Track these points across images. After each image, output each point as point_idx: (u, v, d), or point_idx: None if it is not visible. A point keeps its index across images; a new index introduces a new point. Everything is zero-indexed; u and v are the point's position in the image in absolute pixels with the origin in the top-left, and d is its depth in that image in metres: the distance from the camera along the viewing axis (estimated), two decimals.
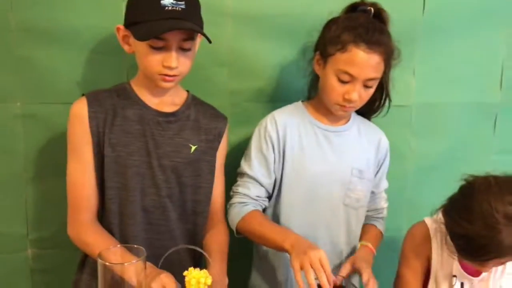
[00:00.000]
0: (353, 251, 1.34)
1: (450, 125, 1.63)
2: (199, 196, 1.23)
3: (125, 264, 0.85)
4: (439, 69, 1.57)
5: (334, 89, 1.20)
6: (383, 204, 1.43)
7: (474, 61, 1.58)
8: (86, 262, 1.20)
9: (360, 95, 1.20)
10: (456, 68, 1.57)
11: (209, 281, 0.98)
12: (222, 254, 1.20)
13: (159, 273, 1.02)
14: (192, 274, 0.99)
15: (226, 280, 1.13)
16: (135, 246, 0.94)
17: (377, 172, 1.37)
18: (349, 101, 1.20)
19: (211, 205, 1.26)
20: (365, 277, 1.17)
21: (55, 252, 1.44)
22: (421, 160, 1.62)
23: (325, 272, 1.04)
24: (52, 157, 1.36)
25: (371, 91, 1.23)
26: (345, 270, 1.21)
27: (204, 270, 1.01)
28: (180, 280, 1.02)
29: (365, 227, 1.39)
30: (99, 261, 0.85)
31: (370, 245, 1.32)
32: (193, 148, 1.20)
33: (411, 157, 1.62)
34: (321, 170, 1.27)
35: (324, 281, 1.03)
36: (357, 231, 1.35)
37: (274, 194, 1.31)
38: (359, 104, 1.24)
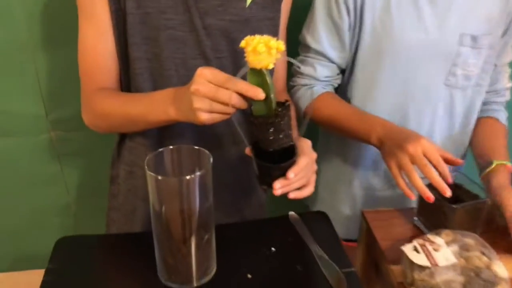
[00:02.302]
0: (457, 148, 1.03)
1: None
2: None
3: (187, 177, 0.60)
4: None
5: None
6: (506, 83, 1.05)
7: None
8: (120, 155, 0.96)
9: None
10: None
11: (282, 47, 0.63)
12: (295, 121, 0.92)
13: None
14: (256, 40, 0.63)
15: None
16: (197, 147, 0.69)
17: (504, 34, 0.98)
18: None
19: (274, 80, 0.97)
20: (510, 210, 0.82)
21: (81, 134, 1.25)
22: None
23: (437, 164, 0.78)
24: (61, 20, 1.11)
25: None
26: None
27: (268, 36, 0.64)
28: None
29: (485, 124, 1.04)
30: (148, 173, 0.61)
31: (509, 164, 0.93)
32: (249, 0, 0.87)
33: None
34: (415, 38, 0.92)
35: (436, 179, 0.77)
36: (463, 121, 1.02)
37: (346, 71, 1.01)
38: None
